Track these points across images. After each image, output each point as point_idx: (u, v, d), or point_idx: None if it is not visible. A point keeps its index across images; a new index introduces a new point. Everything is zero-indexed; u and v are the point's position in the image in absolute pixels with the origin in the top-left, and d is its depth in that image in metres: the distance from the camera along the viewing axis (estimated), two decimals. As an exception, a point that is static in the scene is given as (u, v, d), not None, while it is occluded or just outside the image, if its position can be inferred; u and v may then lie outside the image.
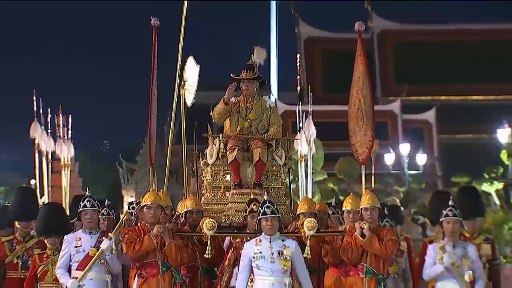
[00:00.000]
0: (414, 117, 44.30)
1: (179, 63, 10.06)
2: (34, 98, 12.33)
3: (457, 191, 11.46)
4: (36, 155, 12.20)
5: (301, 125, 11.48)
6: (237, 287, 8.46)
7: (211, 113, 10.74)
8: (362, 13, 51.28)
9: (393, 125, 44.98)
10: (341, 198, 13.04)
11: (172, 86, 10.26)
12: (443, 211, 8.96)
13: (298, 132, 11.33)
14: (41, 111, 12.34)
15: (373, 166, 10.45)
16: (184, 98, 10.42)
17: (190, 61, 10.34)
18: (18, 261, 9.55)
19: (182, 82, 10.50)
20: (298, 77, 49.80)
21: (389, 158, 36.27)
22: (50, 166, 12.61)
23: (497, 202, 25.39)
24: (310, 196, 10.64)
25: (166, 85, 10.21)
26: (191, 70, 10.33)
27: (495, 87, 43.20)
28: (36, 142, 12.18)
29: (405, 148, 36.05)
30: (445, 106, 44.16)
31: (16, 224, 10.04)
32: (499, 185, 25.10)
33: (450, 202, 8.99)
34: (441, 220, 8.97)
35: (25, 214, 9.85)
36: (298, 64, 50.43)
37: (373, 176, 9.69)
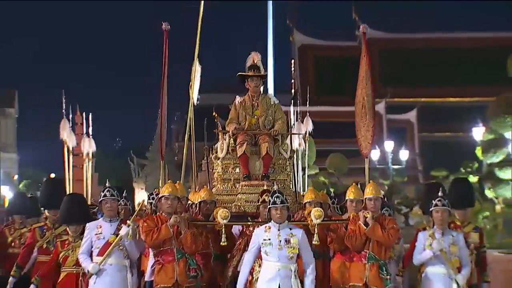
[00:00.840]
0: (397, 117, 44.95)
1: (196, 63, 10.19)
2: (63, 98, 12.22)
3: (451, 182, 11.04)
4: (65, 151, 12.01)
5: (292, 123, 11.64)
6: (243, 266, 8.34)
7: (214, 113, 11.08)
8: (350, 24, 51.97)
9: (378, 124, 45.39)
10: (332, 190, 13.01)
11: (177, 87, 10.49)
12: (433, 201, 8.79)
13: (291, 129, 11.30)
14: (63, 110, 12.16)
15: (366, 160, 9.95)
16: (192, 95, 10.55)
17: (195, 62, 10.47)
18: (48, 245, 9.51)
19: (190, 82, 10.64)
20: (293, 80, 49.59)
21: (374, 154, 36.70)
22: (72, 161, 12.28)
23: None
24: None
25: (171, 86, 10.09)
26: (196, 70, 10.52)
27: (470, 90, 43.39)
28: (64, 139, 12.05)
29: (389, 145, 36.19)
30: (426, 107, 44.74)
31: (46, 212, 10.03)
32: (474, 179, 25.25)
33: (440, 193, 8.82)
34: (431, 209, 8.81)
35: (54, 203, 9.75)
36: (292, 69, 50.37)
37: (366, 170, 9.75)
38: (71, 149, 12.24)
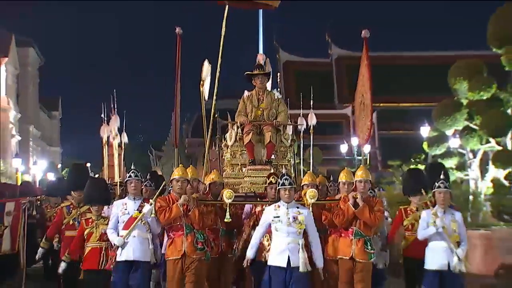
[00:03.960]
0: None
1: (218, 66, 9.16)
2: (103, 107, 11.70)
3: (425, 166, 9.71)
4: (103, 144, 11.70)
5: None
6: (253, 238, 7.66)
7: (216, 116, 9.92)
8: (324, 44, 52.05)
9: (346, 124, 45.55)
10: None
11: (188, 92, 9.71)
12: (436, 183, 8.02)
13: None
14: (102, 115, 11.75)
15: (363, 149, 9.40)
16: (203, 93, 9.85)
17: (206, 63, 9.75)
18: (74, 222, 8.95)
19: (201, 81, 9.91)
20: (278, 89, 48.69)
21: (343, 148, 36.90)
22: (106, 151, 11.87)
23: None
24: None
25: (182, 89, 9.37)
26: (207, 70, 9.73)
27: (419, 97, 43.39)
28: (103, 136, 11.66)
29: (355, 140, 35.84)
30: (384, 111, 44.19)
31: (72, 193, 9.32)
32: (422, 167, 25.32)
33: (442, 176, 8.10)
34: (433, 190, 8.06)
35: (79, 185, 9.06)
36: (278, 81, 50.08)
37: (367, 157, 9.00)
38: (105, 142, 11.85)
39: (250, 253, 7.58)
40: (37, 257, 9.19)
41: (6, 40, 40.86)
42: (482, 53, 22.60)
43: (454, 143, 19.59)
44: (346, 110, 45.19)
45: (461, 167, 18.78)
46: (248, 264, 7.61)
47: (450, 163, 18.42)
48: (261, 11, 43.03)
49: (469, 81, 17.89)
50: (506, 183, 15.94)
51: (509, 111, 17.45)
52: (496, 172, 17.08)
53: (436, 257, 7.82)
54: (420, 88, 44.14)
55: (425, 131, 24.87)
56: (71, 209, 9.00)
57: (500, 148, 17.50)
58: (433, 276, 7.79)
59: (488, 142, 17.82)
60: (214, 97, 9.26)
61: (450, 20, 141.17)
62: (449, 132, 19.26)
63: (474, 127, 17.94)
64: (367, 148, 36.83)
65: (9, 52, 41.24)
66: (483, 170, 18.08)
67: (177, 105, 9.13)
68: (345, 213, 7.84)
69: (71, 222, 8.91)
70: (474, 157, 18.76)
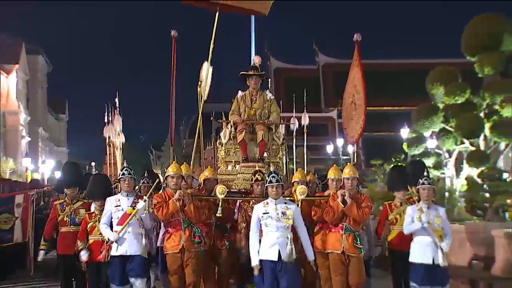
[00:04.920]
0: None
1: (211, 69, 8.91)
2: (107, 109, 11.54)
3: (408, 164, 9.18)
4: (106, 145, 11.55)
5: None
6: (251, 241, 7.31)
7: (212, 118, 9.93)
8: (311, 53, 52.08)
9: (332, 126, 45.53)
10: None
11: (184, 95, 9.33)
12: (420, 180, 7.83)
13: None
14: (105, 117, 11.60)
15: (354, 146, 8.98)
16: (201, 94, 9.57)
17: (205, 64, 9.42)
18: (67, 218, 8.58)
19: (199, 82, 9.64)
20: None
21: (329, 148, 37.01)
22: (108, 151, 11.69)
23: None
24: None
25: (180, 92, 9.22)
26: (206, 71, 9.33)
27: (399, 101, 42.87)
28: (106, 136, 11.51)
29: (340, 141, 36.18)
30: (367, 114, 44.10)
31: (65, 190, 8.93)
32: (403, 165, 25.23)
33: (425, 173, 7.93)
34: (418, 187, 7.86)
35: (71, 182, 8.75)
36: (269, 86, 49.50)
37: (355, 155, 8.80)
38: (107, 142, 11.65)
39: (255, 259, 7.21)
40: (39, 258, 8.84)
41: (17, 49, 41.16)
42: (457, 61, 22.62)
43: (431, 143, 19.69)
44: (332, 113, 45.17)
45: (438, 166, 18.83)
46: (258, 270, 7.21)
47: (427, 162, 18.41)
48: (253, 22, 43.06)
49: (445, 87, 18.05)
50: (479, 181, 15.98)
51: (481, 114, 17.57)
52: (469, 171, 17.16)
53: (421, 251, 7.64)
54: (400, 93, 44.21)
55: (404, 132, 24.99)
56: (64, 206, 8.67)
57: (473, 148, 17.62)
58: (419, 268, 7.62)
59: (462, 143, 17.93)
60: (203, 99, 9.12)
61: (427, 30, 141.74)
62: (426, 133, 19.37)
63: (450, 129, 18.04)
64: (351, 148, 37.25)
65: (20, 60, 41.51)
66: (458, 169, 18.20)
67: (173, 106, 8.94)
68: (335, 210, 7.65)
69: (65, 219, 8.59)
70: (450, 156, 18.88)
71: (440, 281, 7.55)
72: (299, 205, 7.47)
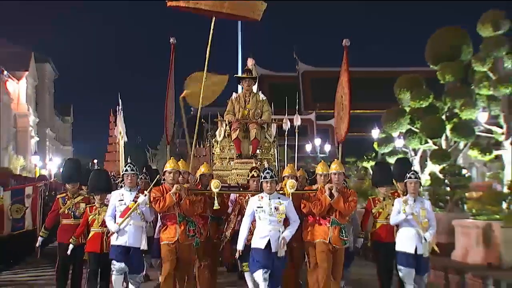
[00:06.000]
0: (323, 123, 44.12)
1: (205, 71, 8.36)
2: (111, 113, 11.42)
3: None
4: (112, 144, 11.52)
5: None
6: (241, 228, 7.05)
7: (203, 121, 9.58)
8: (291, 61, 52.12)
9: (310, 127, 45.55)
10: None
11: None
12: (407, 174, 7.57)
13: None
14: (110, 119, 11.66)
15: (340, 145, 8.44)
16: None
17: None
18: (69, 211, 8.28)
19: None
20: None
21: (308, 147, 37.12)
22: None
23: (371, 173, 25.73)
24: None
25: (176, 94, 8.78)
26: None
27: (370, 105, 41.76)
28: (114, 134, 11.14)
29: (317, 141, 36.37)
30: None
31: (66, 185, 8.65)
32: (372, 163, 25.40)
33: (413, 168, 7.55)
34: (405, 181, 7.59)
35: (72, 178, 8.45)
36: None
37: (339, 153, 8.31)
38: (109, 141, 11.40)
39: (240, 245, 6.94)
40: (37, 244, 8.52)
41: (27, 57, 40.97)
42: (421, 69, 22.82)
43: (399, 143, 19.91)
44: (311, 115, 45.06)
45: (405, 163, 18.96)
46: (240, 254, 7.03)
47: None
48: (240, 31, 42.89)
49: (411, 92, 18.30)
50: (441, 176, 16.14)
51: (443, 117, 17.79)
52: (433, 167, 17.35)
53: (405, 241, 7.40)
54: (371, 98, 44.28)
55: (375, 133, 25.16)
56: (66, 200, 8.37)
57: (436, 147, 17.86)
58: (404, 255, 7.40)
59: (426, 142, 18.17)
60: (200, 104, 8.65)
61: (395, 40, 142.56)
62: (395, 134, 19.57)
63: (415, 130, 18.27)
64: (327, 148, 37.43)
65: (29, 67, 41.27)
66: (423, 165, 18.39)
67: (168, 109, 8.40)
68: (323, 203, 7.30)
69: (66, 212, 8.27)
70: (415, 154, 19.14)
71: (421, 269, 7.37)
72: (290, 198, 7.17)
